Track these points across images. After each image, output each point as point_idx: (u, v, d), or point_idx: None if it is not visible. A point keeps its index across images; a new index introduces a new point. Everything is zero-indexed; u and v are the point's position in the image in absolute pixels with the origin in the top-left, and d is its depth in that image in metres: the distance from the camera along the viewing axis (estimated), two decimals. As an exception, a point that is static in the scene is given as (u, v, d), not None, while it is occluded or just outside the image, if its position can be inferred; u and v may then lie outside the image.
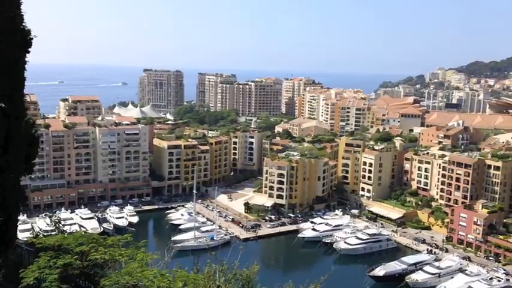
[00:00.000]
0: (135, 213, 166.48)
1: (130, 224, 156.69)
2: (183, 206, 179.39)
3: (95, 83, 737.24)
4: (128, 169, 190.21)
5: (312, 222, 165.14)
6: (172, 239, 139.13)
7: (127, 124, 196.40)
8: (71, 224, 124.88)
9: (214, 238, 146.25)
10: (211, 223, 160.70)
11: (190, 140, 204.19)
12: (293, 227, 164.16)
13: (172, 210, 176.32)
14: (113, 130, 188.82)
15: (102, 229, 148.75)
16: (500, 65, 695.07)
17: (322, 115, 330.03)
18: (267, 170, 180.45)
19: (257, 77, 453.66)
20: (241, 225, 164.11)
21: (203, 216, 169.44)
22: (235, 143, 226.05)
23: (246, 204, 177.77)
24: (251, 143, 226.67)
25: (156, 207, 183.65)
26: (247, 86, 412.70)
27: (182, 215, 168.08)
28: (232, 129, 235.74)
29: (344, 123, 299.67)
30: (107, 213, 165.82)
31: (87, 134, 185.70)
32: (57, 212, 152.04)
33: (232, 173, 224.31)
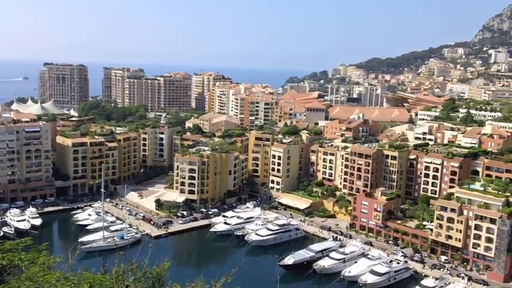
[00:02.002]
0: (38, 215, 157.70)
1: (33, 226, 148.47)
2: (90, 205, 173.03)
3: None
4: (28, 169, 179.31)
5: (223, 216, 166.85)
6: (79, 240, 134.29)
7: (27, 121, 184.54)
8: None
9: (125, 237, 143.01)
10: (121, 222, 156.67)
11: (96, 137, 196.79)
12: (205, 222, 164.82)
13: (79, 211, 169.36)
14: (11, 128, 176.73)
15: (2, 233, 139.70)
16: (395, 62, 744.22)
17: (232, 110, 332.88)
18: (178, 166, 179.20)
19: (165, 71, 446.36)
20: (152, 222, 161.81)
21: (112, 216, 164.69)
22: (144, 139, 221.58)
23: (157, 201, 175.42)
24: (161, 138, 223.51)
25: (61, 208, 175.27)
26: (155, 81, 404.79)
27: (89, 215, 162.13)
28: (141, 125, 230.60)
29: (253, 118, 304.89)
30: (7, 216, 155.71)
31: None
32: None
33: (142, 170, 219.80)
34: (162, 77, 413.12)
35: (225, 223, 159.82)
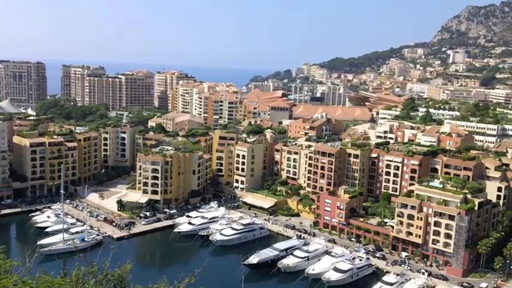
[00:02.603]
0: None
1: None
2: (49, 207, 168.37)
3: None
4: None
5: (187, 216, 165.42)
6: (38, 243, 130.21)
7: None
8: None
9: (85, 239, 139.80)
10: (82, 224, 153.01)
11: (55, 136, 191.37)
12: (169, 222, 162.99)
13: (38, 213, 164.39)
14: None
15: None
16: (357, 61, 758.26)
17: (195, 109, 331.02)
18: (140, 166, 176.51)
19: (127, 70, 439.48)
20: (114, 224, 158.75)
21: (72, 217, 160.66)
22: (105, 139, 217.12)
23: (119, 202, 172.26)
24: (123, 138, 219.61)
25: (18, 210, 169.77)
26: (117, 79, 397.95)
27: (49, 217, 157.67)
28: (102, 125, 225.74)
29: (217, 117, 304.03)
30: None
31: None
32: None
33: (103, 171, 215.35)
34: (123, 75, 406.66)
35: (189, 223, 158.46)
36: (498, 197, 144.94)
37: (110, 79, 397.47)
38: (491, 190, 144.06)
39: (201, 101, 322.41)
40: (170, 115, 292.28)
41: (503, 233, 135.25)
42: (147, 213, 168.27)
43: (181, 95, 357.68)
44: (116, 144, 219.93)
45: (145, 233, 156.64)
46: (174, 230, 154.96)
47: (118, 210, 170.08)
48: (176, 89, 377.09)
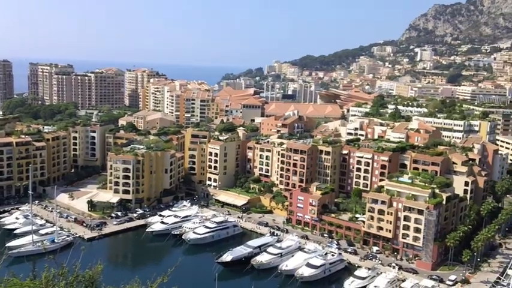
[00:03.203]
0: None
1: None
2: (17, 208, 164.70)
3: None
4: None
5: (160, 215, 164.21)
6: (6, 245, 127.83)
7: None
8: None
9: (56, 240, 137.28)
10: (51, 225, 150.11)
11: (23, 136, 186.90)
12: (141, 222, 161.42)
13: (6, 214, 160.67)
14: None
15: None
16: (328, 59, 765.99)
17: (167, 107, 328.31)
18: (111, 165, 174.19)
19: (95, 68, 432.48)
20: (85, 224, 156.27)
21: (42, 218, 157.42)
22: (75, 138, 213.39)
23: (90, 202, 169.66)
24: (93, 137, 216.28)
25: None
26: (86, 78, 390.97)
27: (17, 218, 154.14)
28: (71, 124, 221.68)
29: (189, 115, 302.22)
30: None
31: None
32: None
33: (73, 170, 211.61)
34: (92, 73, 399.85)
35: (162, 222, 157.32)
36: (465, 191, 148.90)
37: (79, 77, 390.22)
38: (459, 185, 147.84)
39: (172, 99, 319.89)
40: (141, 113, 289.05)
41: (470, 227, 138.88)
42: (119, 213, 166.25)
43: (153, 93, 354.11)
44: (86, 144, 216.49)
45: (117, 233, 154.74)
46: (147, 230, 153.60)
47: (89, 210, 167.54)
48: (147, 87, 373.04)
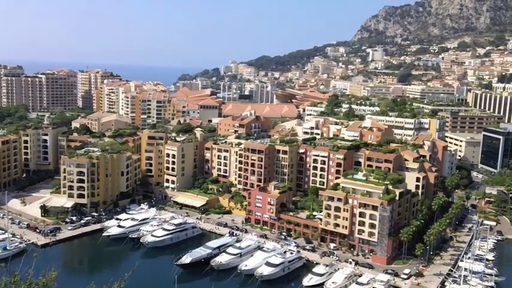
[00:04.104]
0: None
1: None
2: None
3: None
4: None
5: (117, 219, 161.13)
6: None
7: None
8: None
9: (7, 248, 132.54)
10: (3, 232, 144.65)
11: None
12: (97, 226, 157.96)
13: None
14: None
15: None
16: (283, 59, 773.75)
17: (122, 108, 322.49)
18: (65, 169, 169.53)
19: (46, 69, 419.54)
20: (38, 230, 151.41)
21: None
22: (26, 141, 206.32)
23: (43, 207, 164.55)
24: (45, 140, 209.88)
25: None
26: (37, 79, 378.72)
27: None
28: (22, 127, 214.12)
29: (145, 116, 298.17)
30: None
31: None
32: None
33: (24, 175, 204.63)
34: (43, 74, 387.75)
35: (119, 226, 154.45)
36: (417, 186, 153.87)
37: (29, 79, 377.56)
38: (410, 180, 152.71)
39: (128, 101, 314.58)
40: (95, 115, 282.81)
41: (422, 221, 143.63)
42: (74, 218, 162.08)
43: (107, 95, 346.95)
44: (38, 147, 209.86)
45: (72, 239, 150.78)
46: (103, 234, 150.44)
47: (42, 216, 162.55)
48: (101, 88, 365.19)
